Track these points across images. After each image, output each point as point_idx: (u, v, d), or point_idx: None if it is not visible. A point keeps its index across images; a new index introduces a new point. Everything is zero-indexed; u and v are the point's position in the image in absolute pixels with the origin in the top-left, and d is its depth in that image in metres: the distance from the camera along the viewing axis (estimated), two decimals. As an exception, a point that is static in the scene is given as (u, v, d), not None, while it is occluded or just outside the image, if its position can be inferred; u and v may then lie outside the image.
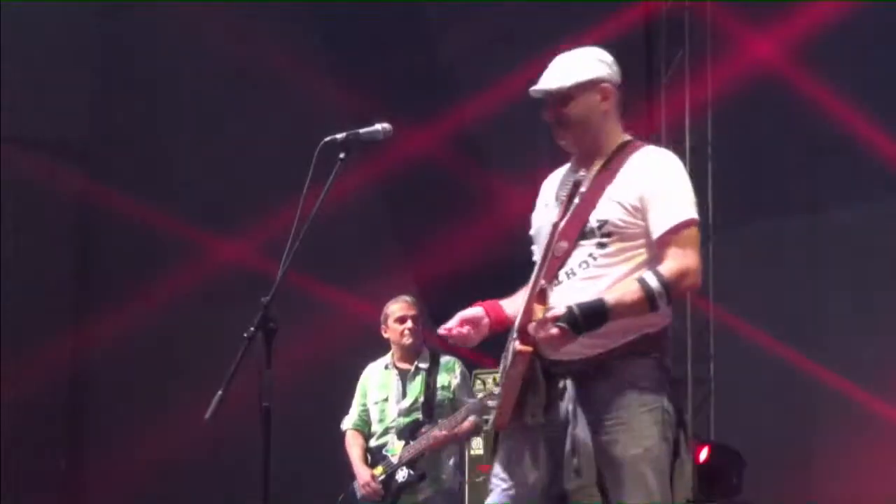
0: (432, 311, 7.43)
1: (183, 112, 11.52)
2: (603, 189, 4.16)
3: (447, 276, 9.49)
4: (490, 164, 10.55)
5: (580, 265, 4.12)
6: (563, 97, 4.25)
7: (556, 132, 4.29)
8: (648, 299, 4.00)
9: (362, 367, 7.58)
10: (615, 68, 4.33)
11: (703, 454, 8.95)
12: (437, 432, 7.03)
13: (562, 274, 4.12)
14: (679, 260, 4.06)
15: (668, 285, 4.02)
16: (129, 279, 11.64)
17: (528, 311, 4.07)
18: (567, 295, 4.06)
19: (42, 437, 11.89)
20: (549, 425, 4.14)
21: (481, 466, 8.01)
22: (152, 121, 11.84)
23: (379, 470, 7.18)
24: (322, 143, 4.30)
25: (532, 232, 4.35)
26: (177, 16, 11.14)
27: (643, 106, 10.08)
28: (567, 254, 4.12)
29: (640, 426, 4.08)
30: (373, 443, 7.31)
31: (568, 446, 4.10)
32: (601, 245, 4.11)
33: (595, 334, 4.02)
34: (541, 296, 4.05)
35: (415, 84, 10.45)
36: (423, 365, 7.30)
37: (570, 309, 3.97)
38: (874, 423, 8.65)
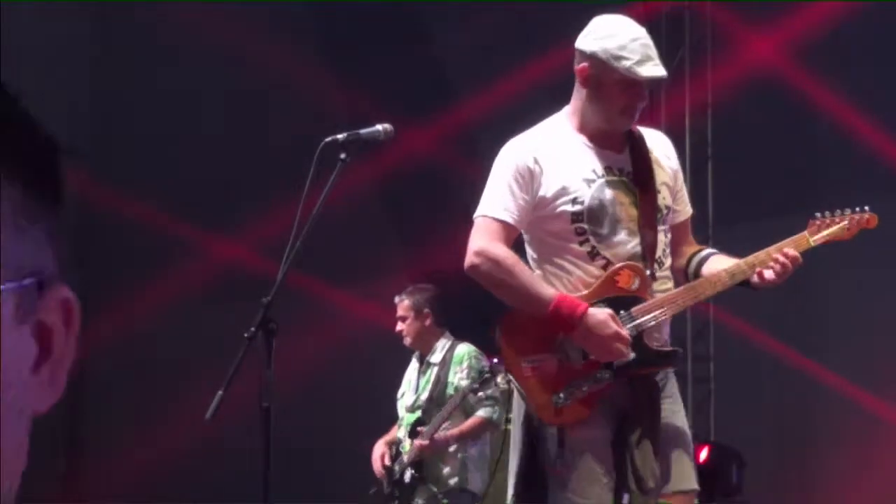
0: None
1: (182, 112, 11.52)
2: (652, 173, 4.14)
3: (447, 275, 9.47)
4: (491, 163, 10.53)
5: (659, 258, 4.10)
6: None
7: (636, 116, 4.22)
8: None
9: (362, 367, 7.54)
10: None
11: (703, 454, 8.93)
12: (419, 441, 6.73)
13: (655, 265, 4.09)
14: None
15: None
16: (130, 279, 11.64)
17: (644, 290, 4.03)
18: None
19: (42, 437, 11.86)
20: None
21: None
22: (152, 121, 11.84)
23: (397, 468, 6.91)
24: (323, 143, 4.29)
25: (586, 205, 4.10)
26: (176, 16, 11.14)
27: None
28: (654, 242, 4.08)
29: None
30: (399, 436, 7.03)
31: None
32: (665, 233, 4.13)
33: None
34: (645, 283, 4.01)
35: (416, 84, 10.45)
36: (435, 359, 6.95)
37: None
38: (874, 422, 8.64)
